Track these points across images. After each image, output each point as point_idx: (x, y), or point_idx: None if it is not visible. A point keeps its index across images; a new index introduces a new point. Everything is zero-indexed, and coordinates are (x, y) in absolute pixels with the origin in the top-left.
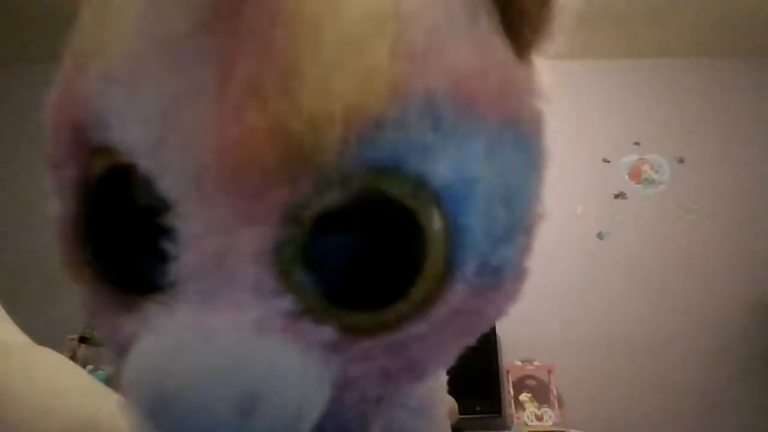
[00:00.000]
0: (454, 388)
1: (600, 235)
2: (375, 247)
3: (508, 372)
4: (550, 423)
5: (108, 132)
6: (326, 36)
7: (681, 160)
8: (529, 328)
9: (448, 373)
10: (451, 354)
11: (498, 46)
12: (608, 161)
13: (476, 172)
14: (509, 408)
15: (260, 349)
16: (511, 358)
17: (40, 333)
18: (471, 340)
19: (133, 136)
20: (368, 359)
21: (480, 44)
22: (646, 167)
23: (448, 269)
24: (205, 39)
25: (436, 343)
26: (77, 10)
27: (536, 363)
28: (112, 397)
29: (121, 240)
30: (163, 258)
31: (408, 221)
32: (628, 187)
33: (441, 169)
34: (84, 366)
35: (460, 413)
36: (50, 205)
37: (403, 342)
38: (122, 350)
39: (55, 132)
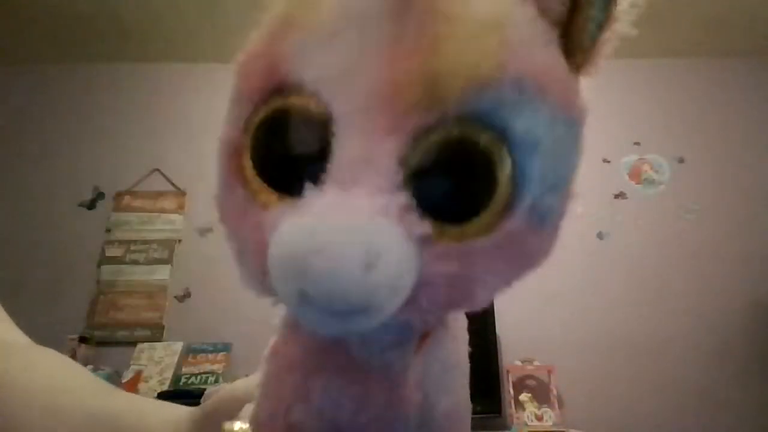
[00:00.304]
0: None
1: (600, 235)
2: (461, 178)
3: (508, 372)
4: (550, 423)
5: (303, 72)
6: (461, 26)
7: (681, 160)
8: (529, 328)
9: None
10: (500, 282)
11: (560, 60)
12: (608, 161)
13: (541, 134)
14: (509, 408)
15: (382, 224)
16: (511, 358)
17: (40, 333)
18: (515, 275)
19: (324, 74)
20: (444, 260)
21: (550, 54)
22: (646, 167)
23: (510, 202)
24: (387, 17)
25: (492, 263)
26: (76, 10)
27: (536, 363)
28: (115, 394)
29: (281, 155)
30: (310, 166)
31: (487, 162)
32: (628, 187)
33: (519, 126)
34: (84, 366)
35: None
36: (221, 128)
37: (471, 253)
38: (259, 243)
39: (250, 74)
